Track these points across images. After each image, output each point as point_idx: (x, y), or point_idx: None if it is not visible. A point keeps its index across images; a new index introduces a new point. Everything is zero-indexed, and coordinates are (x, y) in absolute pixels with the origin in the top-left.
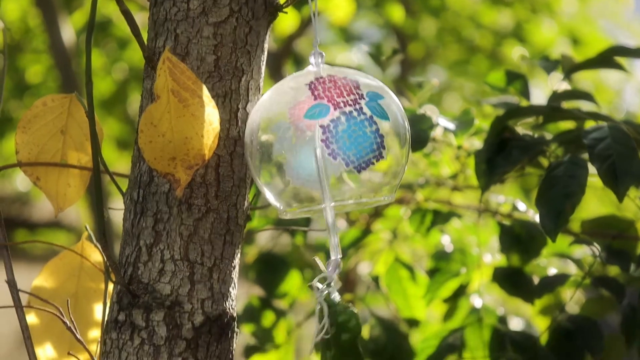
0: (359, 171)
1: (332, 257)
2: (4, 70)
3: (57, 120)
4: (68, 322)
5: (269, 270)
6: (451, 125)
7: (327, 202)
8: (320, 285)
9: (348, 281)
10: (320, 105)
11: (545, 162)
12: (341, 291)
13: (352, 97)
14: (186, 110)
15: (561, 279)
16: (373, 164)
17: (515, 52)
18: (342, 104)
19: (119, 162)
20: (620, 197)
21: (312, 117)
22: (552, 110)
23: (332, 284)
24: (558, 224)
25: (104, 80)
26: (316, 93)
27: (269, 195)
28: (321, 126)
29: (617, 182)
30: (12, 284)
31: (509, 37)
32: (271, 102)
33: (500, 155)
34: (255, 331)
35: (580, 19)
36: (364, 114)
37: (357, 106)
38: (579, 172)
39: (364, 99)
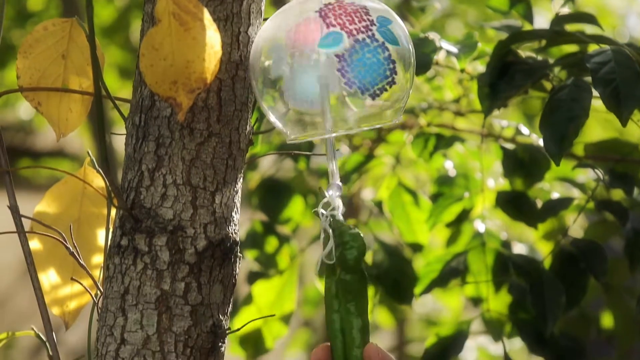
0: (373, 98)
1: (332, 181)
2: None
3: (59, 44)
4: (71, 248)
5: (272, 195)
6: (454, 49)
7: (328, 128)
8: (324, 211)
9: (352, 207)
10: (334, 34)
11: (548, 85)
12: (345, 216)
13: (363, 23)
14: (187, 33)
15: (564, 202)
16: (386, 90)
17: None
18: (355, 32)
19: (122, 91)
20: (624, 121)
21: (326, 46)
22: (555, 33)
23: (336, 207)
24: (562, 147)
25: (106, 7)
26: (328, 21)
27: (273, 119)
28: (336, 55)
29: (620, 106)
30: (14, 209)
31: None
32: (276, 27)
33: (503, 79)
34: (258, 257)
35: None
36: (377, 40)
37: (370, 33)
38: (583, 95)
39: (375, 25)
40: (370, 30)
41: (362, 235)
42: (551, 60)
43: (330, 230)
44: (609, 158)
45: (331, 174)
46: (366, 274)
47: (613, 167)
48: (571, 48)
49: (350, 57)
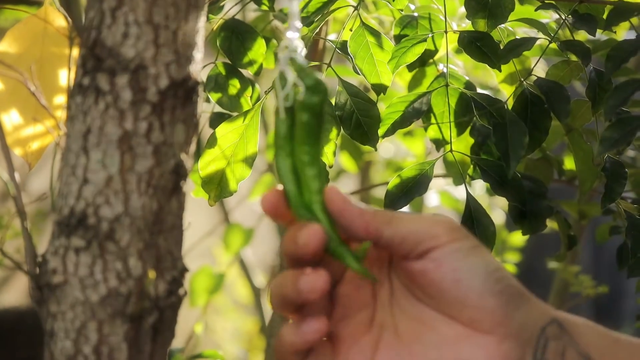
0: None
1: (291, 22)
2: None
3: None
4: (33, 88)
5: (235, 37)
6: None
7: None
8: (291, 47)
9: (315, 50)
10: None
11: None
12: (308, 59)
13: None
14: None
15: (528, 42)
16: None
17: None
18: None
19: None
20: None
21: None
22: None
23: (295, 48)
24: None
25: None
26: None
27: None
28: None
29: None
30: None
31: None
32: None
33: None
34: (221, 99)
35: None
36: None
37: None
38: None
39: None
40: None
41: (322, 80)
42: None
43: (289, 71)
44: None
45: (291, 15)
46: (330, 116)
47: (576, 8)
48: None
49: None
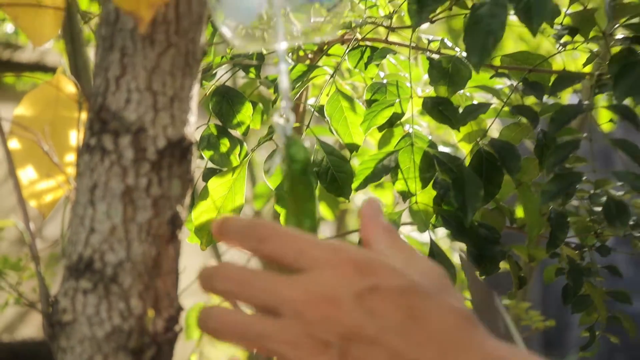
0: (328, 10)
1: (283, 93)
2: None
3: None
4: (46, 147)
5: (226, 101)
6: None
7: (280, 41)
8: (280, 120)
9: (297, 113)
10: None
11: (470, 3)
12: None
13: None
14: None
15: (483, 107)
16: (338, 5)
17: None
18: None
19: (93, 8)
20: (534, 31)
21: None
22: None
23: (287, 119)
24: (482, 57)
25: None
26: None
27: (226, 32)
28: None
29: (531, 19)
30: None
31: None
32: None
33: None
34: (213, 156)
35: None
36: None
37: None
38: (500, 11)
39: None
40: None
41: (305, 146)
42: None
43: (285, 139)
44: (522, 68)
45: (282, 89)
46: (311, 181)
47: (526, 76)
48: None
49: None
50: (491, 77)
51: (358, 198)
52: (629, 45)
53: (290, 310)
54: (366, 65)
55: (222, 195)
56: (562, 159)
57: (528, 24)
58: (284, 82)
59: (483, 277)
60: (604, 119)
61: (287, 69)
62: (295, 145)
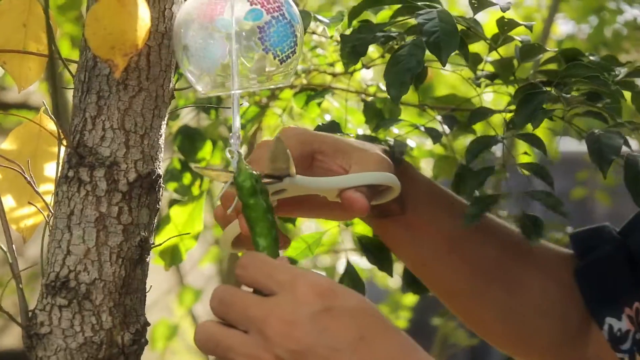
0: (281, 62)
1: (234, 131)
2: None
3: (20, 15)
4: (28, 178)
5: (189, 139)
6: (326, 20)
7: (235, 88)
8: (234, 153)
9: (250, 149)
10: (256, 10)
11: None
12: (246, 156)
13: (276, 4)
14: (123, 9)
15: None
16: (290, 57)
17: None
18: (271, 10)
19: (73, 55)
20: (443, 62)
21: (251, 19)
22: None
23: (237, 152)
24: (400, 92)
25: None
26: (250, 0)
27: (190, 79)
28: (258, 27)
29: (440, 51)
30: None
31: None
32: (192, 5)
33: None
34: (177, 188)
35: None
36: (286, 18)
37: (281, 12)
38: (418, 51)
39: (284, 6)
40: (281, 9)
41: (253, 173)
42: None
43: (237, 169)
44: (446, 107)
45: (234, 128)
46: (261, 205)
47: (450, 114)
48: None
49: (269, 29)
50: (419, 115)
51: (307, 227)
52: (533, 80)
53: (255, 328)
54: (307, 102)
55: (183, 221)
56: (480, 184)
57: (438, 55)
58: (236, 122)
59: (417, 296)
60: (522, 150)
61: (238, 111)
62: (242, 174)
